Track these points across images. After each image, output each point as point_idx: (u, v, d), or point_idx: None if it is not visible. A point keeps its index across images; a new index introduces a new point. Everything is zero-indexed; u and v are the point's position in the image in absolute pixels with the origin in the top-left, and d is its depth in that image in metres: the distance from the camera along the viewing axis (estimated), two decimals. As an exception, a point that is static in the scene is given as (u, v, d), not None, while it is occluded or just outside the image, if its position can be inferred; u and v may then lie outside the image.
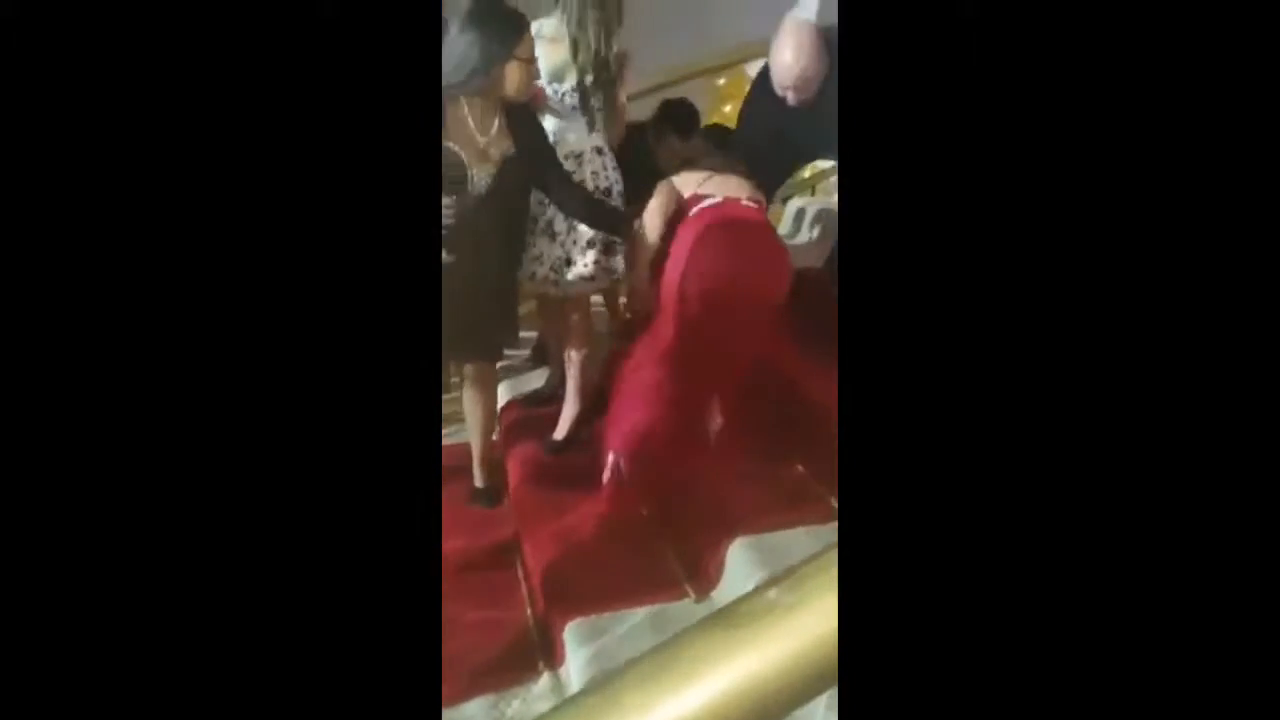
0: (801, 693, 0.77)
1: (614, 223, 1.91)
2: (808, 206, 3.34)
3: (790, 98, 1.96)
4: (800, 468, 1.86)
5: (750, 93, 2.22)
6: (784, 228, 3.22)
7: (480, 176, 1.74)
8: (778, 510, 1.69)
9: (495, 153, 1.75)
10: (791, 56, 1.91)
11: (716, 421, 1.90)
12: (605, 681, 0.82)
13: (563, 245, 1.98)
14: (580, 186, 1.90)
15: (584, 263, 1.98)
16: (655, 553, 1.76)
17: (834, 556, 0.86)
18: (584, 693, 0.94)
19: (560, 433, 2.12)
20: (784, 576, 0.88)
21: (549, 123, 1.94)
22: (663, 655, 0.83)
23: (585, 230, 1.95)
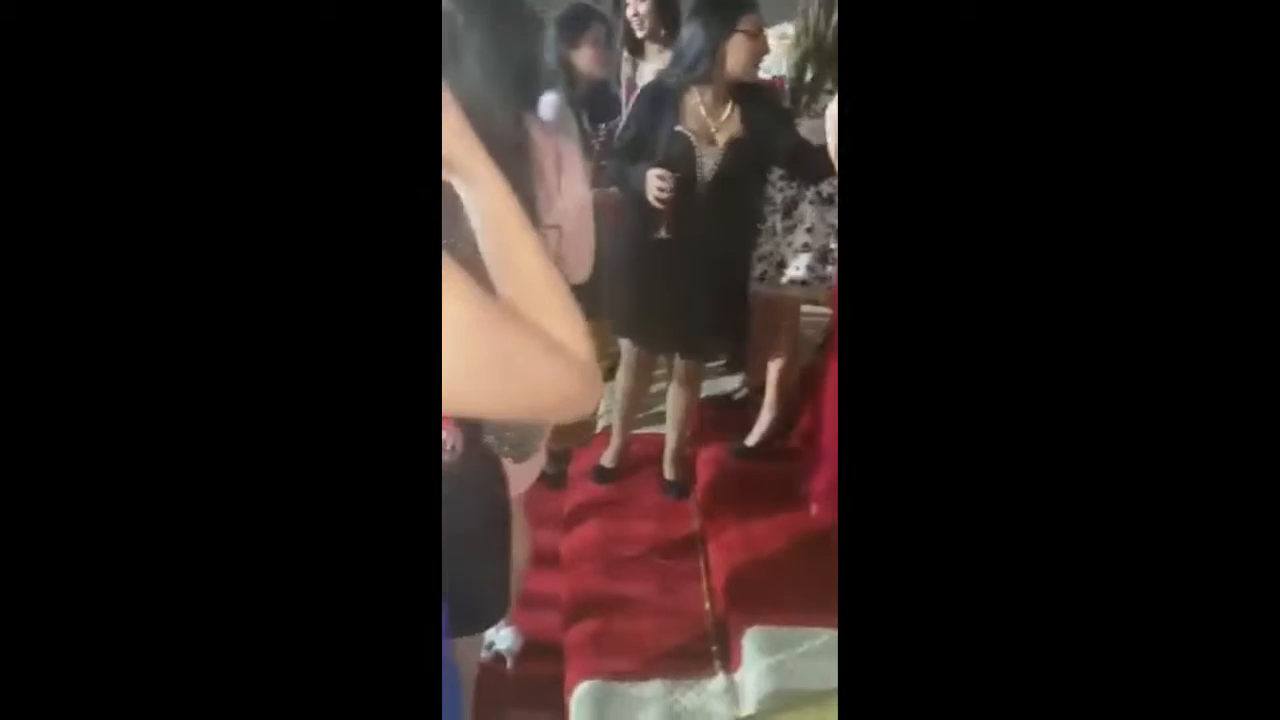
0: None
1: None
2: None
3: None
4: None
5: None
6: None
7: (707, 160, 1.75)
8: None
9: (723, 137, 1.76)
10: None
11: None
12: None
13: (778, 245, 1.98)
14: (824, 150, 1.80)
15: (796, 265, 1.96)
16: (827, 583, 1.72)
17: None
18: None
19: (753, 439, 2.14)
20: None
21: None
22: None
23: (802, 233, 1.93)
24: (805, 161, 1.79)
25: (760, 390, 2.18)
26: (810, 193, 1.92)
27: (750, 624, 1.58)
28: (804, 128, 1.85)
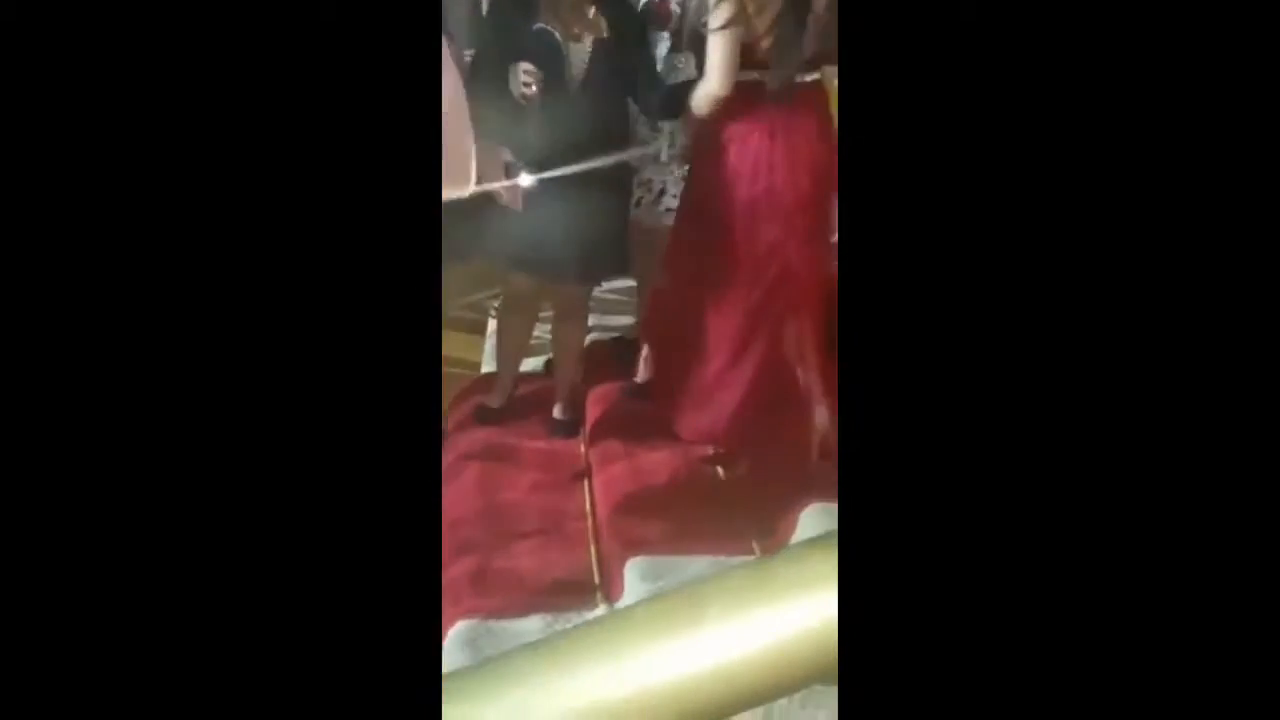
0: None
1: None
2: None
3: None
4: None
5: None
6: None
7: (574, 58, 1.66)
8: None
9: (589, 37, 1.67)
10: None
11: (808, 368, 1.78)
12: (653, 600, 0.81)
13: (660, 172, 1.91)
14: (672, 87, 1.75)
15: (674, 194, 1.89)
16: (728, 507, 1.72)
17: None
18: (632, 608, 0.93)
19: (642, 376, 2.09)
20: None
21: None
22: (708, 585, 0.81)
23: (684, 163, 1.86)
24: (650, 95, 1.73)
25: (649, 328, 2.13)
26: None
27: (632, 554, 1.56)
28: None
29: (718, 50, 1.54)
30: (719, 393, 1.74)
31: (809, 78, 1.59)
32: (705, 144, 1.71)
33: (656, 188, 1.93)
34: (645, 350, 2.06)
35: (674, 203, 1.90)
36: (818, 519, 1.56)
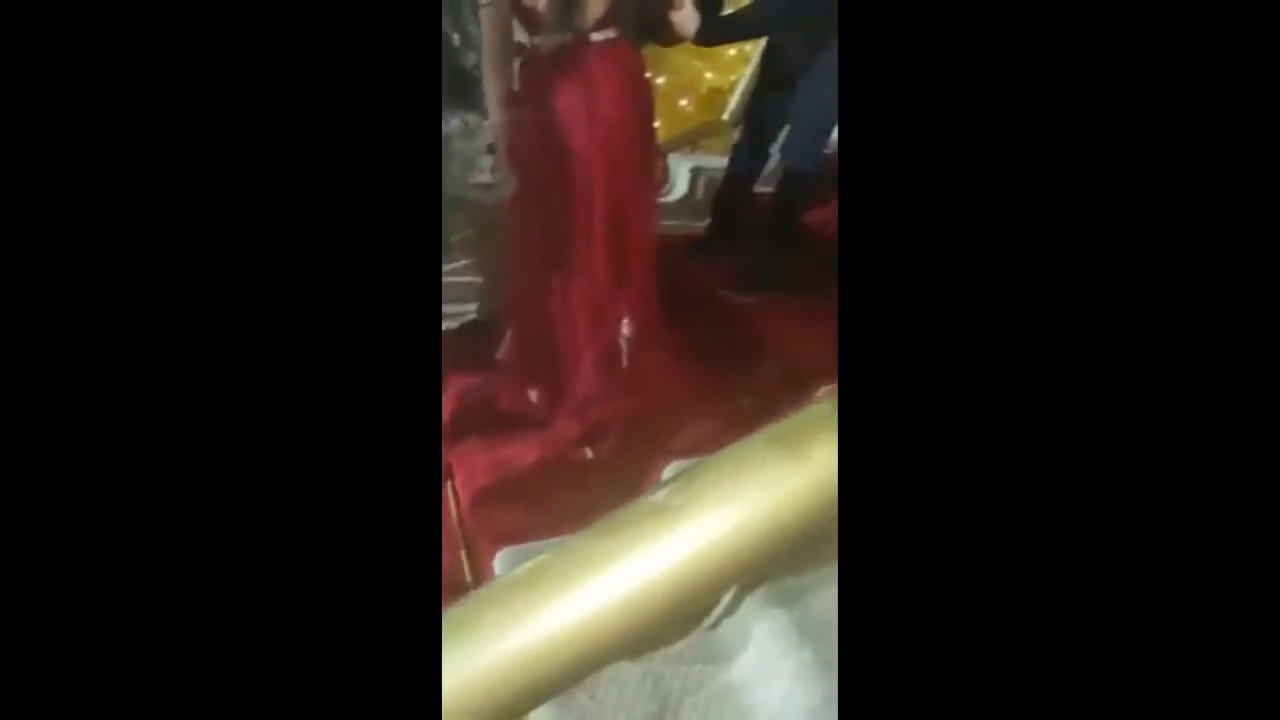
0: (700, 586, 0.76)
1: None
2: (699, 165, 3.01)
3: None
4: (746, 402, 1.81)
5: None
6: (679, 191, 2.93)
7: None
8: (714, 434, 1.66)
9: None
10: None
11: (625, 329, 1.80)
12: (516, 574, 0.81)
13: (475, 146, 1.85)
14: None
15: (480, 167, 1.83)
16: (594, 486, 1.72)
17: (724, 457, 0.85)
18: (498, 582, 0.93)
19: (501, 351, 2.04)
20: (672, 480, 0.87)
21: None
22: (559, 557, 0.82)
23: (488, 133, 1.78)
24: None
25: (497, 309, 2.08)
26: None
27: (500, 545, 1.54)
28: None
29: (483, 29, 1.52)
30: (583, 358, 1.74)
31: (603, 36, 1.57)
32: (516, 115, 1.67)
33: (465, 159, 1.85)
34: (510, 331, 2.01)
35: (481, 177, 1.83)
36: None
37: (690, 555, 0.72)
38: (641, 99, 1.61)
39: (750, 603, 1.26)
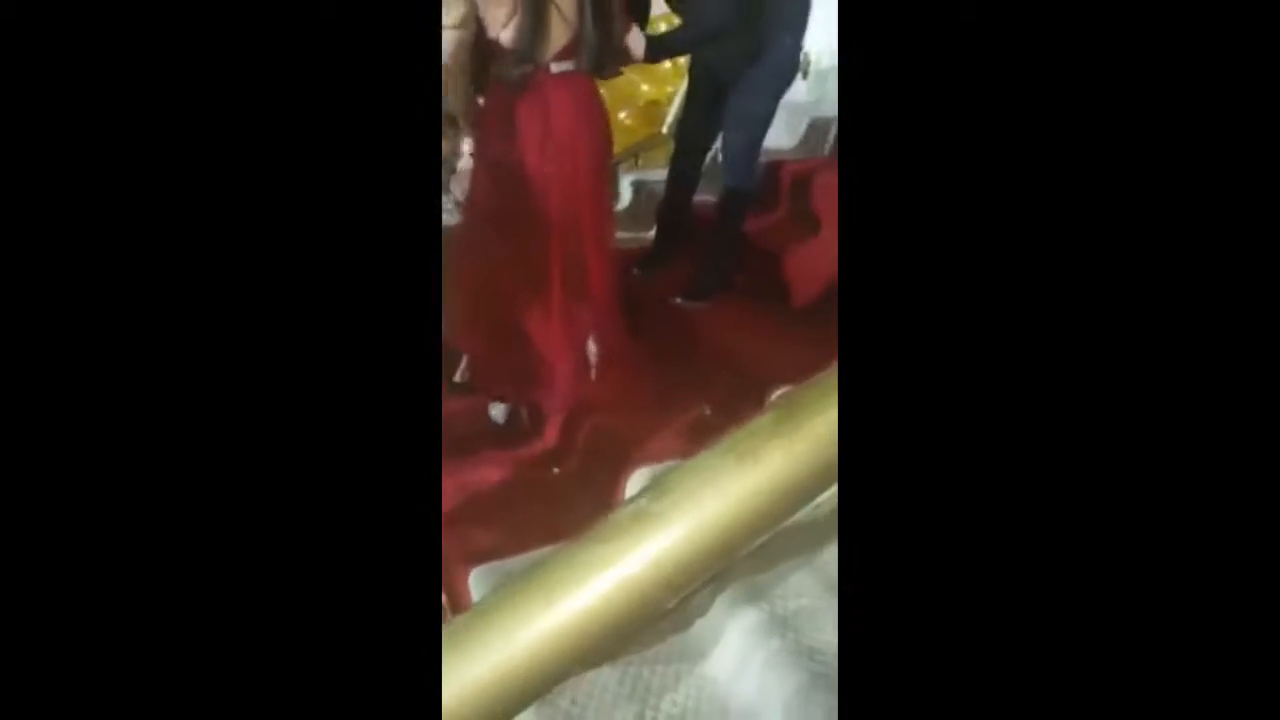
0: (680, 588, 0.80)
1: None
2: (641, 178, 3.09)
3: None
4: (707, 409, 1.88)
5: None
6: (623, 204, 2.99)
7: None
8: (677, 441, 1.72)
9: None
10: None
11: (592, 345, 1.86)
12: (492, 595, 0.85)
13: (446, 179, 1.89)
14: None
15: (445, 202, 1.88)
16: (560, 495, 1.76)
17: (699, 463, 0.90)
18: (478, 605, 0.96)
19: (459, 375, 2.07)
20: (651, 487, 0.92)
21: None
22: (541, 571, 0.86)
23: (455, 162, 1.84)
24: None
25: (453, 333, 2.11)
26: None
27: (473, 565, 1.56)
28: None
29: (446, 52, 1.55)
30: (553, 367, 1.79)
31: (561, 68, 1.63)
32: (478, 139, 1.71)
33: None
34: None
35: (448, 206, 1.87)
36: (641, 483, 1.64)
37: (672, 555, 0.77)
38: (596, 125, 1.67)
39: (720, 600, 1.32)
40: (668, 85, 3.18)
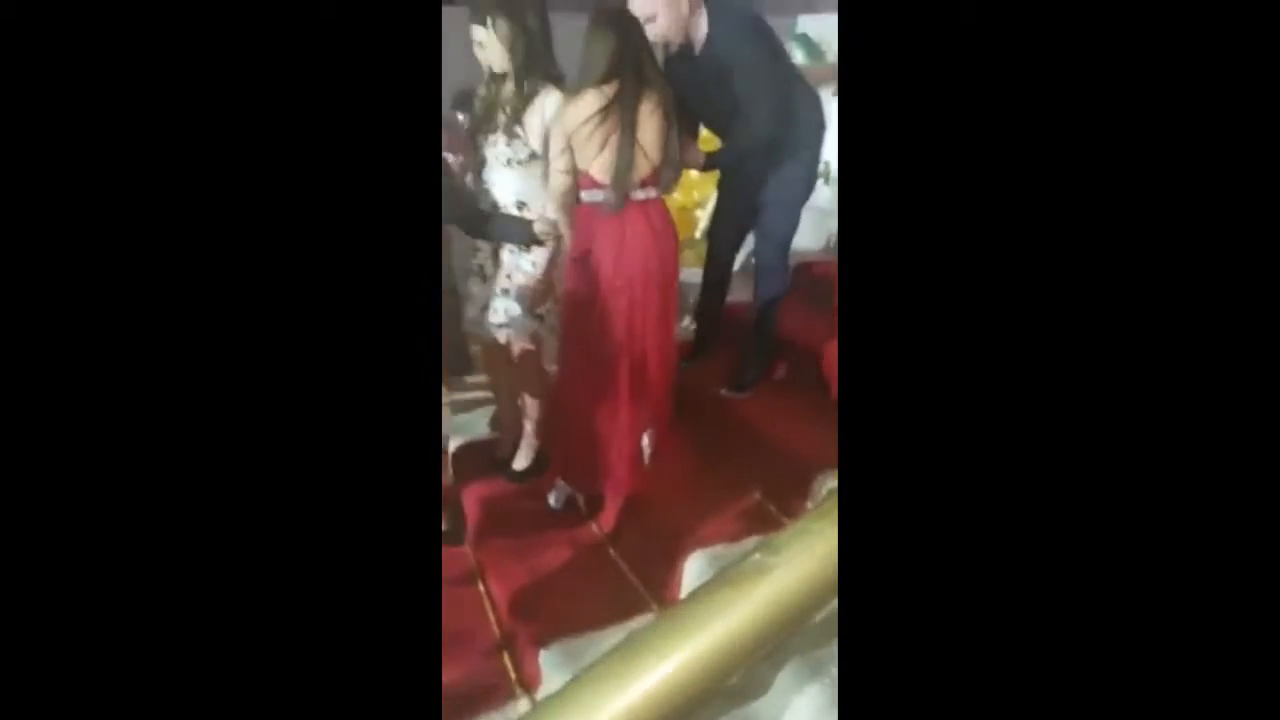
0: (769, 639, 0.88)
1: (520, 233, 1.87)
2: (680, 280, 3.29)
3: (650, 31, 1.94)
4: (757, 495, 1.98)
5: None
6: None
7: None
8: (727, 522, 1.82)
9: None
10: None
11: (647, 439, 2.01)
12: (573, 682, 0.92)
13: (488, 290, 2.06)
14: (477, 208, 1.93)
15: (495, 309, 2.04)
16: (620, 576, 1.85)
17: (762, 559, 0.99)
18: (559, 693, 1.04)
19: (520, 463, 2.20)
20: (762, 545, 1.03)
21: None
22: (618, 655, 0.96)
23: (503, 278, 2.02)
24: (473, 222, 1.90)
25: (511, 426, 2.26)
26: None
27: (544, 643, 1.64)
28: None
29: (552, 186, 1.78)
30: (615, 458, 1.93)
31: (644, 195, 1.84)
32: (571, 256, 1.92)
33: (480, 303, 2.07)
34: (529, 436, 2.19)
35: (502, 318, 2.04)
36: (698, 566, 1.73)
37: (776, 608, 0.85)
38: (665, 242, 1.88)
39: (782, 675, 1.39)
40: (695, 192, 3.42)
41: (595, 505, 2.05)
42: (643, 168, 1.81)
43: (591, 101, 1.76)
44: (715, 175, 2.51)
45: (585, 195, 1.86)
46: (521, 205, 1.97)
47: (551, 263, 1.96)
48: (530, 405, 2.18)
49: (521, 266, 1.99)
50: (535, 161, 1.93)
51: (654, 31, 1.95)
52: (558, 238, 1.89)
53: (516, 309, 2.01)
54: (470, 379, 2.64)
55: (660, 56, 1.99)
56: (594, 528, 2.00)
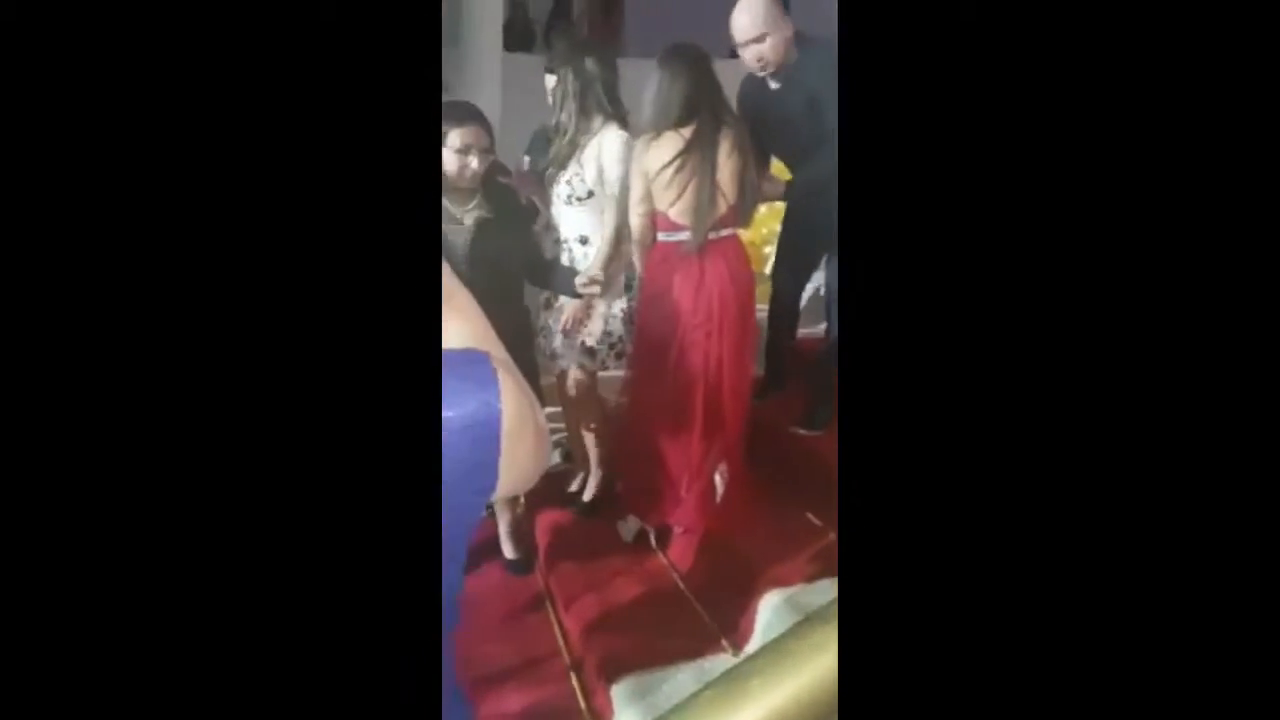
0: None
1: (569, 285, 1.87)
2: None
3: (753, 65, 1.98)
4: (832, 535, 1.96)
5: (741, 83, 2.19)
6: None
7: (458, 239, 1.79)
8: (801, 563, 1.80)
9: (469, 220, 1.80)
10: (747, 18, 1.95)
11: (720, 472, 2.01)
12: None
13: (549, 338, 2.11)
14: (542, 258, 1.99)
15: (561, 353, 2.09)
16: (691, 612, 1.85)
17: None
18: None
19: (589, 494, 2.23)
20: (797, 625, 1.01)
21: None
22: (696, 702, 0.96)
23: (557, 315, 2.08)
24: (540, 272, 1.96)
25: (581, 458, 2.29)
26: None
27: (617, 678, 1.64)
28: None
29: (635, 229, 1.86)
30: (686, 493, 1.94)
31: (720, 234, 1.88)
32: (647, 293, 1.96)
33: (547, 350, 2.13)
34: (594, 469, 2.21)
35: (565, 363, 2.10)
36: (772, 605, 1.72)
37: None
38: (742, 280, 1.90)
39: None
40: (763, 228, 3.44)
41: (665, 538, 2.06)
42: (720, 208, 1.84)
43: (670, 145, 1.81)
44: (779, 211, 2.52)
45: (663, 236, 1.90)
46: (584, 240, 2.05)
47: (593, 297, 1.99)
48: (588, 437, 2.22)
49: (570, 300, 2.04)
50: (593, 199, 2.00)
51: (757, 53, 1.97)
52: (601, 288, 1.88)
53: (559, 339, 2.08)
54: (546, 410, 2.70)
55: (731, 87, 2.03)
56: (663, 560, 2.00)
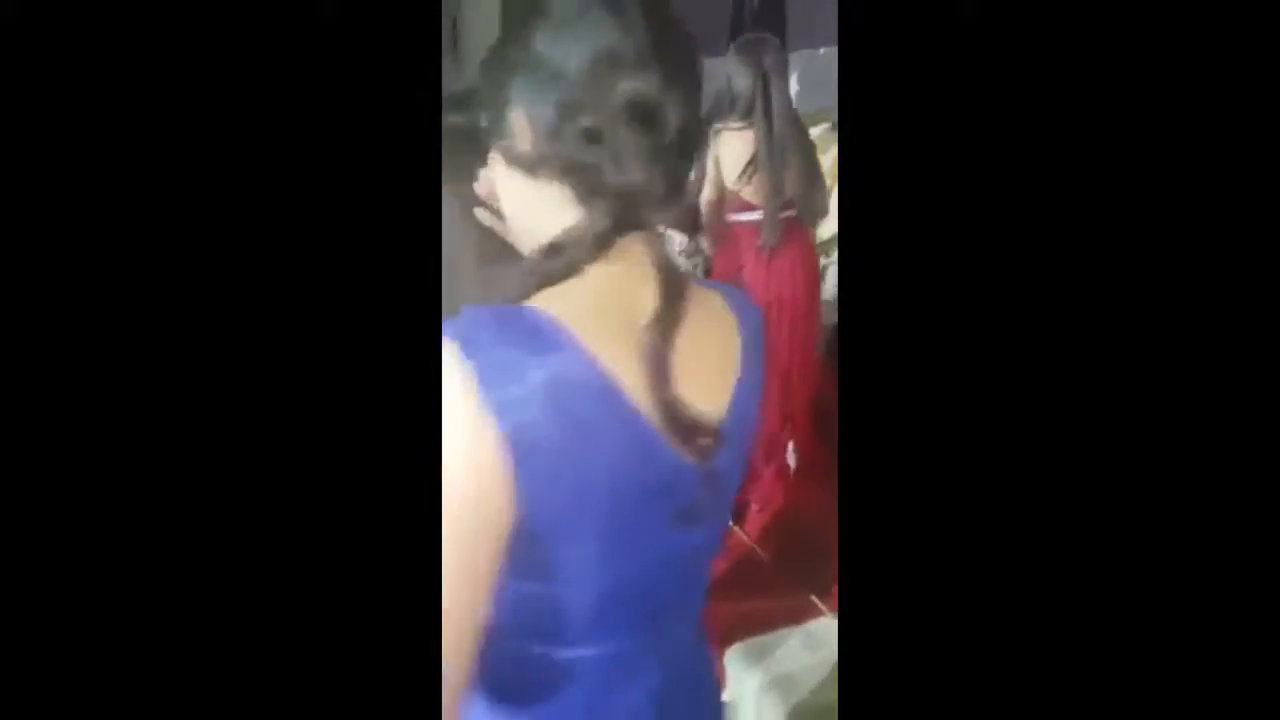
0: None
1: None
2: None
3: None
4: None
5: None
6: None
7: None
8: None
9: None
10: None
11: (791, 452, 2.18)
12: None
13: None
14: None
15: None
16: (784, 583, 2.01)
17: None
18: None
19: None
20: None
21: None
22: None
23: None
24: None
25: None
26: None
27: (728, 644, 1.78)
28: None
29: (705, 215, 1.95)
30: (761, 465, 2.09)
31: (786, 215, 2.00)
32: (720, 273, 2.08)
33: None
34: None
35: None
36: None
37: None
38: (809, 267, 2.02)
39: None
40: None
41: (742, 514, 2.20)
42: (789, 188, 1.97)
43: (740, 132, 1.91)
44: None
45: (736, 216, 2.01)
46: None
47: None
48: None
49: None
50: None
51: None
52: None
53: None
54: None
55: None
56: (742, 535, 2.16)
